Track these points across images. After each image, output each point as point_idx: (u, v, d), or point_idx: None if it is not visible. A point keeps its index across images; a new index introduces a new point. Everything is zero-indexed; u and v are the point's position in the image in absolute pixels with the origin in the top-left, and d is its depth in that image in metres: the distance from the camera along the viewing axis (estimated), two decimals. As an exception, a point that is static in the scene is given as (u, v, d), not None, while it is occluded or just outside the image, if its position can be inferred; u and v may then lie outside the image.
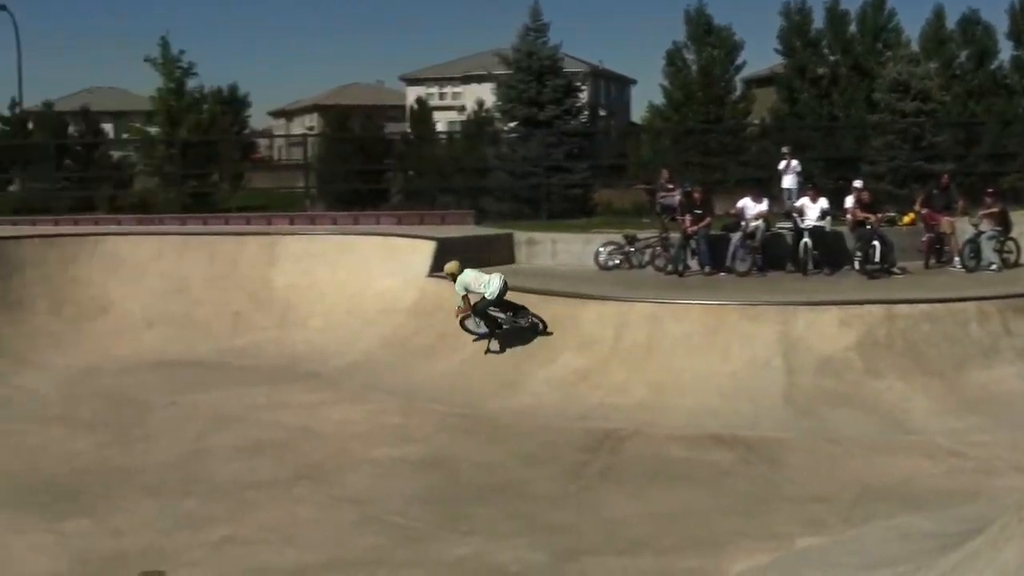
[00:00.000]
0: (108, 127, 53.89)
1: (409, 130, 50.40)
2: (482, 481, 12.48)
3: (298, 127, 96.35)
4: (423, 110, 51.47)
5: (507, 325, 17.95)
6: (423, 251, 20.78)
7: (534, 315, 17.86)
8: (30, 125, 44.21)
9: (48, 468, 13.05)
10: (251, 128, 74.81)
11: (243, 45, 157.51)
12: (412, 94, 75.96)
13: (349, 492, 12.05)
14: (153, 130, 42.02)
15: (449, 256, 18.88)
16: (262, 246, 22.20)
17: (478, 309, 17.78)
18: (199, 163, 36.96)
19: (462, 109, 67.45)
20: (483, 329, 18.02)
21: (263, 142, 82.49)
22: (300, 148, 45.37)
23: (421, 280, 20.17)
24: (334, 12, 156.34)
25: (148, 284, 21.60)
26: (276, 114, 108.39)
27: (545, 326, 17.75)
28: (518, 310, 17.95)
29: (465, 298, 17.78)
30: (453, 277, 17.98)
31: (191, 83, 41.04)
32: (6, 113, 47.66)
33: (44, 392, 17.22)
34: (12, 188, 39.30)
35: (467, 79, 76.24)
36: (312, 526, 10.95)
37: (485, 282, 17.76)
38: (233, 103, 62.61)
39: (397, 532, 10.73)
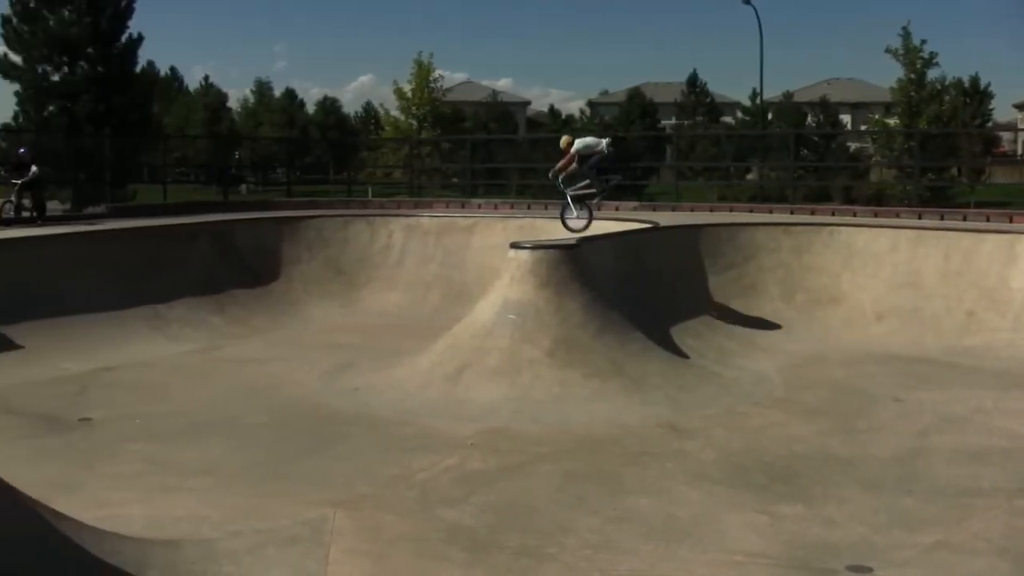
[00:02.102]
0: (845, 118, 54.93)
1: None
2: None
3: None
4: None
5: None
6: None
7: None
8: (769, 115, 46.35)
9: (766, 450, 13.53)
10: (994, 121, 72.01)
11: (990, 34, 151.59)
12: None
13: (1076, 512, 11.26)
14: (891, 121, 42.17)
15: None
16: (1000, 244, 21.28)
17: (588, 164, 19.33)
18: (938, 156, 36.44)
19: None
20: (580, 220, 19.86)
21: (1006, 136, 79.00)
22: (1050, 141, 42.93)
23: None
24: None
25: (881, 277, 21.72)
26: (1021, 107, 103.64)
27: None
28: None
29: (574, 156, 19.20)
30: (570, 144, 19.36)
31: (932, 74, 40.64)
32: (748, 103, 50.52)
33: (769, 376, 17.93)
34: (750, 176, 41.51)
35: None
36: (1031, 541, 10.39)
37: (599, 144, 19.44)
38: (975, 95, 60.60)
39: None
